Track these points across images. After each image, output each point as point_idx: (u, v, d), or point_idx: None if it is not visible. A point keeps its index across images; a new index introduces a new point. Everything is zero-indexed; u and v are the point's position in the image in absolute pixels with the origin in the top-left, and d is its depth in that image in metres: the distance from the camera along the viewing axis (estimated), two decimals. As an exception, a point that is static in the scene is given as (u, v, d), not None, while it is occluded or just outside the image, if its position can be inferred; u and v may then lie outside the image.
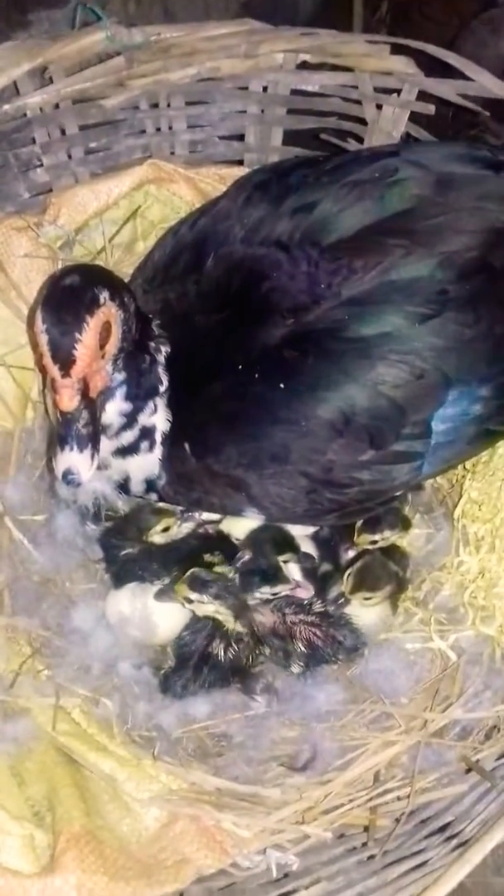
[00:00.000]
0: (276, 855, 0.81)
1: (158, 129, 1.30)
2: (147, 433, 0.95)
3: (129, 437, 0.94)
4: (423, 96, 1.25)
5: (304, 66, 1.26)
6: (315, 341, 0.90)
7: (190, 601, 0.99)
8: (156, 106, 1.29)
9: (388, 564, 1.05)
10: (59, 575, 1.11)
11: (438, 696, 0.94)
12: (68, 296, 0.83)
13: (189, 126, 1.31)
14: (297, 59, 1.25)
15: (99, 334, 0.83)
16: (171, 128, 1.31)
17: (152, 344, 0.95)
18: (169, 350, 0.96)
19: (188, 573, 0.99)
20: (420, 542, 1.12)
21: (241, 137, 1.33)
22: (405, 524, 1.10)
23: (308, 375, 0.89)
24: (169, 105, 1.29)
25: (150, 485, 0.98)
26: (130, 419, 0.93)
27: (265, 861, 0.81)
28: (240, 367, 0.91)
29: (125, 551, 1.09)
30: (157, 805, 0.87)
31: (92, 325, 0.81)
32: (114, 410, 0.92)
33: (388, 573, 1.03)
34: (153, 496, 1.01)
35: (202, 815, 0.85)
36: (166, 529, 1.10)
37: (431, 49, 1.18)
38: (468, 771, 0.84)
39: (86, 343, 0.81)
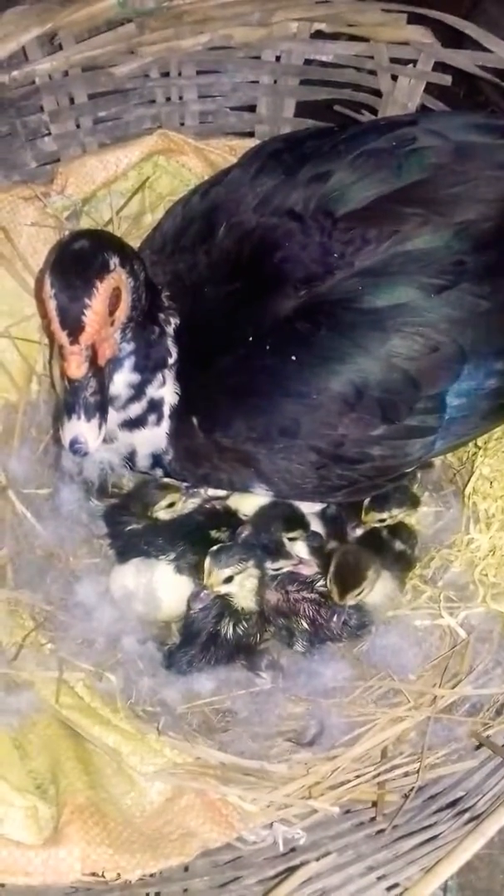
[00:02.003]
0: (283, 829, 0.80)
1: (168, 99, 1.28)
2: (155, 406, 0.93)
3: (136, 409, 0.92)
4: (439, 69, 1.23)
5: (318, 35, 1.24)
6: (328, 313, 0.88)
7: (231, 579, 0.97)
8: (166, 75, 1.27)
9: (360, 550, 1.02)
10: (63, 549, 1.09)
11: (447, 673, 0.92)
12: (77, 260, 0.81)
13: (200, 96, 1.29)
14: (311, 28, 1.23)
15: (108, 301, 0.81)
16: (181, 98, 1.29)
17: (161, 315, 0.93)
18: (178, 322, 0.94)
19: (207, 562, 0.97)
20: (429, 519, 1.11)
21: (252, 108, 1.30)
22: (413, 502, 1.08)
23: (320, 347, 0.87)
24: (180, 74, 1.27)
25: (157, 460, 0.97)
26: (138, 391, 0.92)
27: (272, 835, 0.80)
28: (250, 339, 0.90)
29: (130, 527, 1.08)
30: (162, 779, 0.86)
31: (101, 291, 0.80)
32: (121, 381, 0.90)
33: (364, 557, 1.00)
34: (159, 472, 1.00)
35: (207, 789, 0.84)
36: (171, 505, 1.08)
37: (449, 19, 1.16)
38: (478, 747, 0.83)
39: (95, 309, 0.79)
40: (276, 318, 0.90)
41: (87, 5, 1.21)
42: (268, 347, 0.89)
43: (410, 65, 1.21)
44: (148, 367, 0.91)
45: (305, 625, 1.00)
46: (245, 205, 0.97)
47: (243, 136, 1.28)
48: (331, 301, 0.88)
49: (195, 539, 1.05)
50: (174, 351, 0.93)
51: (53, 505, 1.10)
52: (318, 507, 1.09)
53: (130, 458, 0.97)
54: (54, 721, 0.89)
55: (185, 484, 1.08)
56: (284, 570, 1.01)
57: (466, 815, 0.71)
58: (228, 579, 0.96)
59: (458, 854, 0.63)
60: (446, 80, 1.20)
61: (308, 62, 1.27)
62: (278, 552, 1.00)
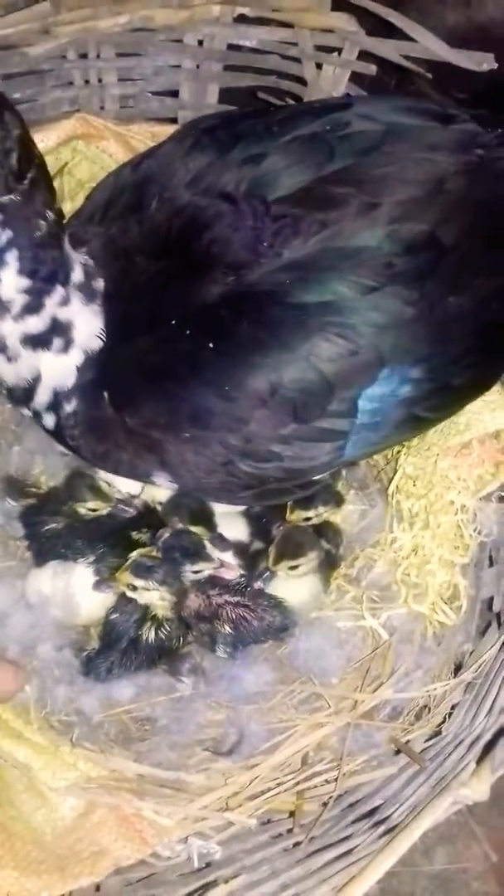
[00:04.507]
0: (199, 843, 0.77)
1: (87, 82, 1.24)
2: (60, 328, 0.87)
3: (37, 323, 0.86)
4: (365, 57, 1.21)
5: (241, 19, 1.21)
6: (253, 304, 0.85)
7: (134, 588, 0.94)
8: (84, 56, 1.22)
9: (309, 532, 1.01)
10: (-24, 553, 1.05)
11: (369, 676, 0.91)
12: None
13: (120, 79, 1.24)
14: (234, 11, 1.20)
15: None
16: (100, 80, 1.24)
17: (50, 213, 0.84)
18: (87, 257, 0.90)
19: (129, 560, 0.94)
20: (354, 518, 1.09)
21: (175, 93, 1.27)
22: (338, 500, 1.07)
23: (241, 339, 0.85)
24: (98, 56, 1.22)
25: (55, 403, 0.90)
26: (35, 300, 0.85)
27: (187, 850, 0.78)
28: (173, 322, 0.86)
29: (48, 526, 1.04)
30: (74, 794, 0.83)
31: None
32: (10, 283, 0.84)
33: (310, 539, 0.99)
34: (49, 420, 0.93)
35: (122, 804, 0.81)
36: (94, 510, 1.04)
37: (373, 6, 1.14)
38: (398, 753, 0.82)
39: None
40: (202, 304, 0.86)
41: (0, -19, 1.15)
42: (188, 332, 0.86)
43: (335, 53, 1.19)
44: (39, 273, 0.84)
45: (228, 629, 0.97)
46: (177, 180, 0.93)
47: (165, 122, 1.25)
48: (258, 292, 0.86)
49: (115, 541, 1.01)
50: (79, 270, 0.88)
51: (-34, 507, 1.06)
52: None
53: (30, 390, 0.90)
54: (-38, 736, 0.86)
55: (115, 496, 1.03)
56: (204, 573, 0.98)
57: (382, 828, 0.70)
58: (134, 587, 0.93)
59: (371, 871, 0.61)
60: (371, 69, 1.18)
61: (232, 48, 1.23)
62: (198, 554, 0.97)
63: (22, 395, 0.92)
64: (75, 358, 0.89)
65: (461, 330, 0.87)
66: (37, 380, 0.90)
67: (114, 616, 0.97)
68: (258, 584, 0.98)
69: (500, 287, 0.89)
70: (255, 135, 0.93)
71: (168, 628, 0.97)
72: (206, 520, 1.00)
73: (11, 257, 0.83)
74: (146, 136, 1.21)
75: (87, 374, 0.89)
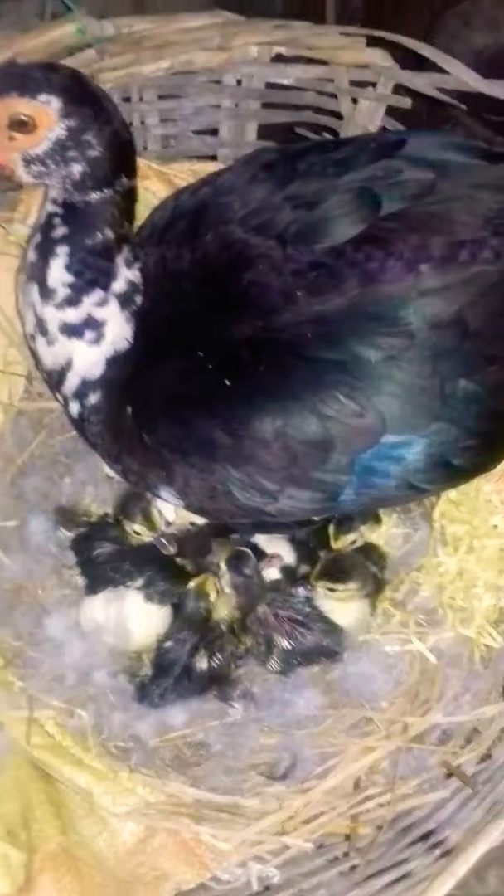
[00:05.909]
0: (257, 867, 0.79)
1: (130, 124, 1.28)
2: (94, 324, 0.95)
3: (73, 315, 0.94)
4: (399, 90, 1.23)
5: (278, 59, 1.25)
6: (273, 350, 0.88)
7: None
8: (128, 100, 1.27)
9: (363, 563, 1.03)
10: (32, 582, 1.08)
11: (418, 700, 0.92)
12: (11, 69, 0.86)
13: (161, 120, 1.29)
14: (271, 51, 1.24)
15: (11, 119, 0.83)
16: (143, 122, 1.29)
17: (109, 231, 0.93)
18: (139, 274, 0.96)
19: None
20: (397, 541, 1.10)
21: (214, 132, 1.31)
22: (376, 518, 1.08)
23: (255, 381, 0.88)
24: (141, 99, 1.27)
25: (82, 392, 0.97)
26: (75, 295, 0.94)
27: (246, 874, 0.79)
28: (200, 353, 0.90)
29: (97, 551, 1.07)
30: (134, 819, 0.85)
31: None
32: (56, 274, 0.93)
33: (359, 571, 1.00)
34: (74, 409, 0.99)
35: (180, 829, 0.83)
36: (137, 533, 1.07)
37: (407, 42, 1.17)
38: (449, 776, 0.83)
39: None
40: (228, 341, 0.90)
41: (46, 32, 1.20)
42: (210, 366, 0.89)
43: (370, 87, 1.22)
44: (83, 273, 0.93)
45: (287, 643, 0.99)
46: (232, 212, 0.97)
47: (206, 160, 1.29)
48: (280, 340, 0.88)
49: (162, 564, 1.05)
50: (123, 281, 0.95)
51: (21, 537, 1.09)
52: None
53: (62, 375, 0.97)
54: (25, 762, 0.88)
55: (162, 527, 1.06)
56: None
57: (438, 850, 0.71)
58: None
59: (430, 895, 0.63)
60: (406, 102, 1.21)
61: (269, 86, 1.27)
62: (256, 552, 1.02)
63: (57, 379, 0.99)
64: (105, 351, 0.95)
65: (467, 413, 0.87)
66: (69, 365, 0.97)
67: (167, 643, 1.00)
68: (301, 591, 1.02)
69: None
70: (311, 174, 0.95)
71: (220, 658, 0.99)
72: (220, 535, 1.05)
73: (62, 251, 0.93)
74: (187, 174, 1.25)
75: (113, 370, 0.96)
